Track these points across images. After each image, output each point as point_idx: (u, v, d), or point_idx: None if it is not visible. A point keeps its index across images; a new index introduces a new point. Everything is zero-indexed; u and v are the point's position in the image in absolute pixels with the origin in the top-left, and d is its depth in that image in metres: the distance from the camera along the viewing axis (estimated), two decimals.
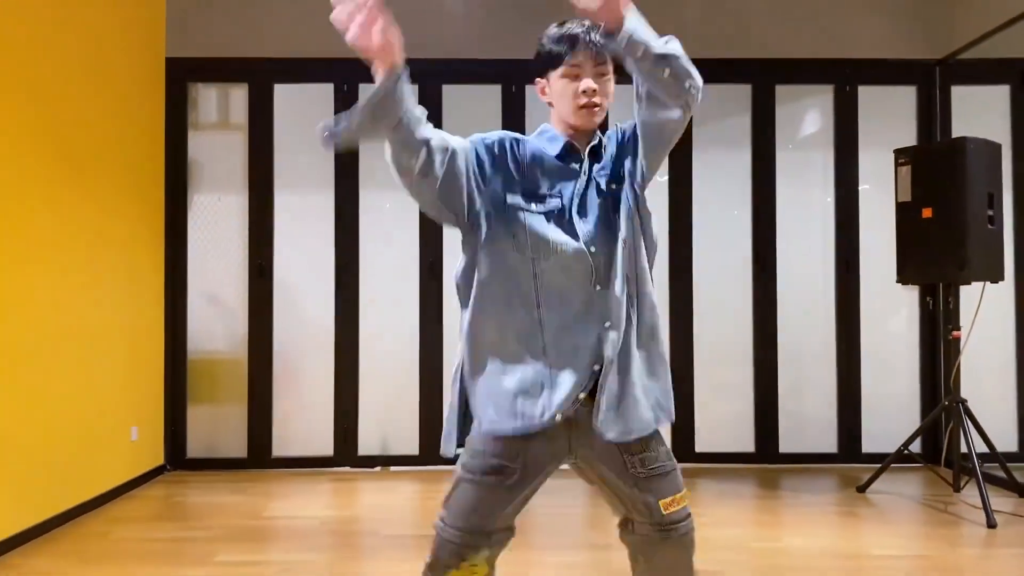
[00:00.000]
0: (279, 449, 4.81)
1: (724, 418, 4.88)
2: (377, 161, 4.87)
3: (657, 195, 4.88)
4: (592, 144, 1.77)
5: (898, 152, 4.07)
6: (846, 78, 4.91)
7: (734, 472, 4.70)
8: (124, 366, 4.25)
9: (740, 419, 4.88)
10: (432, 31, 4.83)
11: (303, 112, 4.90)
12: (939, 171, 3.85)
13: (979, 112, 4.88)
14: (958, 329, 3.97)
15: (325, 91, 4.88)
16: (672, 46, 1.60)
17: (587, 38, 1.68)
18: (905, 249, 4.02)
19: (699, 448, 4.83)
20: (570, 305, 1.68)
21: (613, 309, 1.66)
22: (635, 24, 1.57)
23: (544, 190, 1.72)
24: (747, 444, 4.87)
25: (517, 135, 1.79)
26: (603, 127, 1.83)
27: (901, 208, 4.03)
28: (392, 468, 4.78)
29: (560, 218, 1.70)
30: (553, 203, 1.71)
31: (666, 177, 4.88)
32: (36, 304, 3.44)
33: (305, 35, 4.82)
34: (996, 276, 3.84)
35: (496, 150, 1.74)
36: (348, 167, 4.85)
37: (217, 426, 4.83)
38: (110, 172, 4.13)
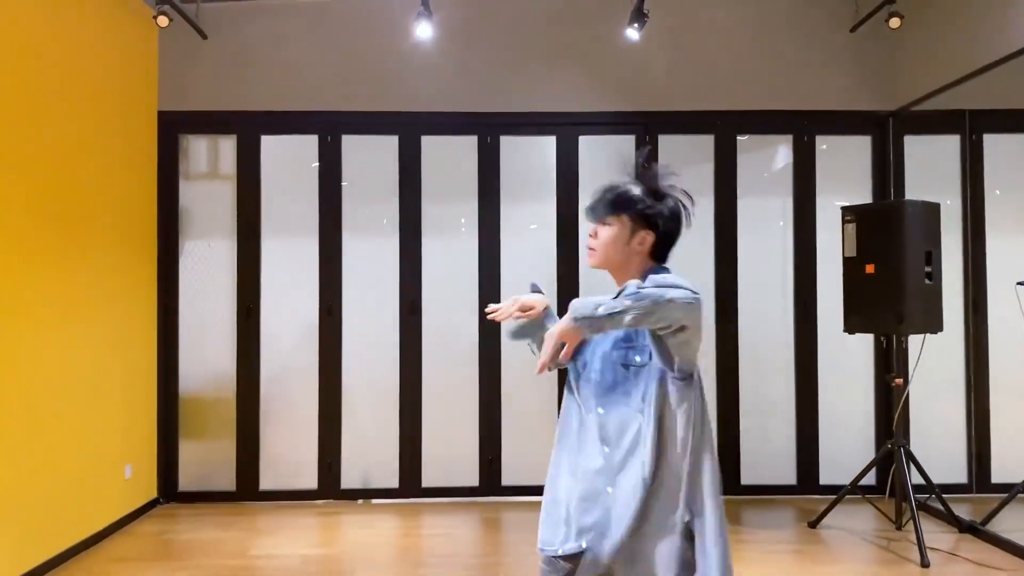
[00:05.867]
0: (266, 482, 5.08)
1: None
2: (359, 209, 5.18)
3: None
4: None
5: (844, 210, 4.33)
6: (804, 128, 5.17)
7: None
8: (119, 407, 4.51)
9: None
10: (412, 85, 5.09)
11: (288, 161, 5.17)
12: (881, 230, 4.11)
13: (930, 160, 5.14)
14: (900, 377, 4.23)
15: (309, 142, 5.15)
16: (620, 302, 1.68)
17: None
18: (850, 301, 4.28)
19: None
20: None
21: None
22: (581, 316, 1.71)
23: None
24: None
25: None
26: None
27: (847, 263, 4.29)
28: (373, 501, 5.05)
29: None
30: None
31: None
32: (31, 354, 3.70)
33: (290, 89, 5.09)
34: (934, 328, 4.10)
35: None
36: (331, 213, 5.12)
37: (208, 461, 5.09)
38: (105, 220, 4.39)
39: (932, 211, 4.11)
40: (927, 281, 4.05)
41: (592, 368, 1.93)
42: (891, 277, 4.05)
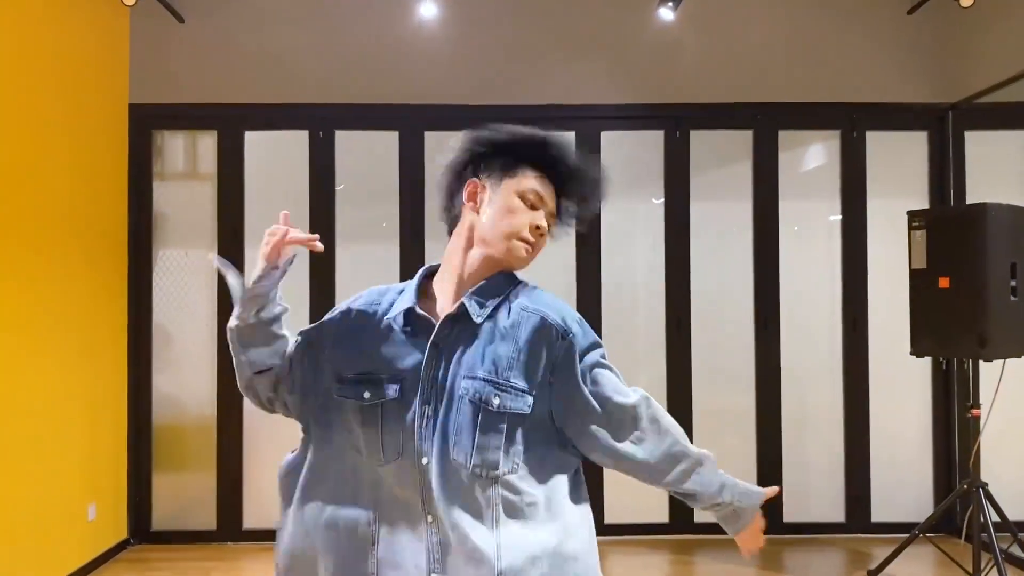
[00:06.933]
0: (250, 520, 4.52)
1: None
2: (355, 213, 4.62)
3: (652, 246, 4.60)
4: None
5: (912, 215, 3.77)
6: (853, 123, 4.62)
7: (735, 544, 4.40)
8: (81, 439, 3.95)
9: None
10: (415, 75, 4.54)
11: (275, 160, 4.62)
12: (957, 238, 3.56)
13: (994, 159, 4.60)
14: (978, 407, 3.67)
15: (299, 138, 4.59)
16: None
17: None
18: (920, 320, 3.73)
19: (699, 518, 4.54)
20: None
21: None
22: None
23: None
24: None
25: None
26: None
27: (915, 275, 3.74)
28: None
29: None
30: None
31: (662, 229, 4.59)
32: None
33: (277, 79, 4.54)
34: (1020, 351, 3.55)
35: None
36: (324, 217, 4.57)
37: (185, 496, 4.53)
38: (68, 226, 3.84)
39: (1018, 216, 3.56)
40: (1012, 297, 3.49)
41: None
42: (970, 293, 3.49)
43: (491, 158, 1.46)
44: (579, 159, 1.47)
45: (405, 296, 1.44)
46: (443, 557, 1.32)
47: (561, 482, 1.40)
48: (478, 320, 1.37)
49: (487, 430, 1.32)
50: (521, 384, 1.35)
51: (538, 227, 1.42)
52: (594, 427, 1.40)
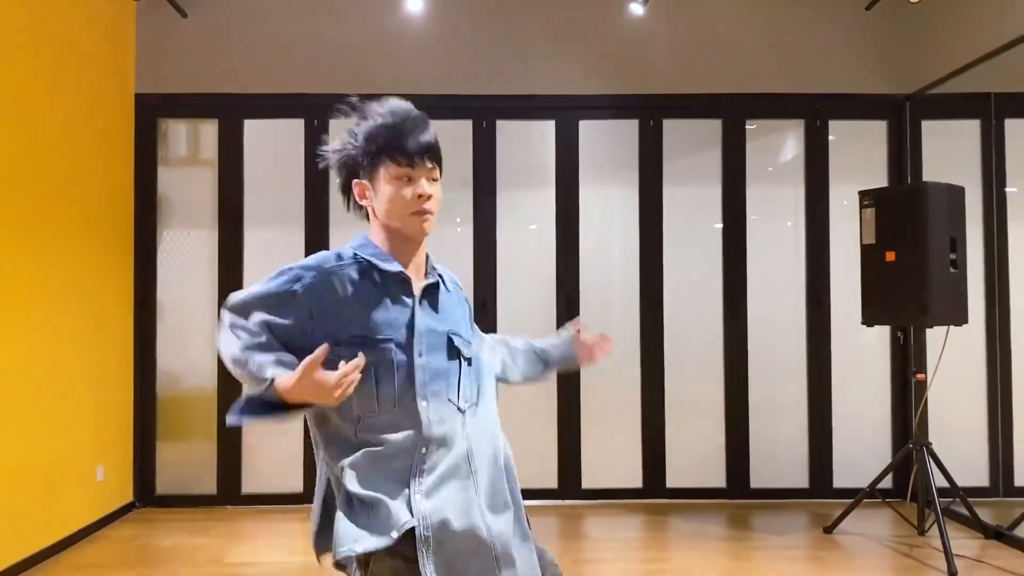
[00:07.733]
0: (249, 485, 4.80)
1: (696, 454, 4.88)
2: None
3: (627, 230, 4.89)
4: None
5: (863, 194, 4.07)
6: (816, 113, 4.91)
7: (705, 508, 4.69)
8: (91, 405, 4.23)
9: (712, 455, 4.87)
10: (403, 66, 4.83)
11: (273, 147, 4.90)
12: (902, 215, 3.85)
13: (950, 146, 4.88)
14: (923, 372, 3.97)
15: (295, 126, 4.88)
16: None
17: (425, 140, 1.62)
18: (869, 291, 4.02)
19: (671, 483, 4.83)
20: None
21: None
22: None
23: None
24: (719, 480, 4.87)
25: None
26: None
27: (865, 250, 4.03)
28: None
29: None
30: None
31: (636, 213, 4.88)
32: None
33: (275, 71, 4.83)
34: (959, 320, 3.84)
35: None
36: (318, 203, 4.85)
37: (187, 462, 4.81)
38: (78, 208, 4.12)
39: (956, 195, 3.85)
40: (952, 269, 3.79)
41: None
42: (913, 265, 3.78)
43: (358, 160, 1.61)
44: (417, 130, 1.59)
45: (388, 262, 1.63)
46: (429, 472, 1.58)
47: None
48: (449, 290, 1.76)
49: (467, 372, 1.67)
50: (470, 334, 1.76)
51: (420, 195, 1.56)
52: (487, 349, 1.86)
